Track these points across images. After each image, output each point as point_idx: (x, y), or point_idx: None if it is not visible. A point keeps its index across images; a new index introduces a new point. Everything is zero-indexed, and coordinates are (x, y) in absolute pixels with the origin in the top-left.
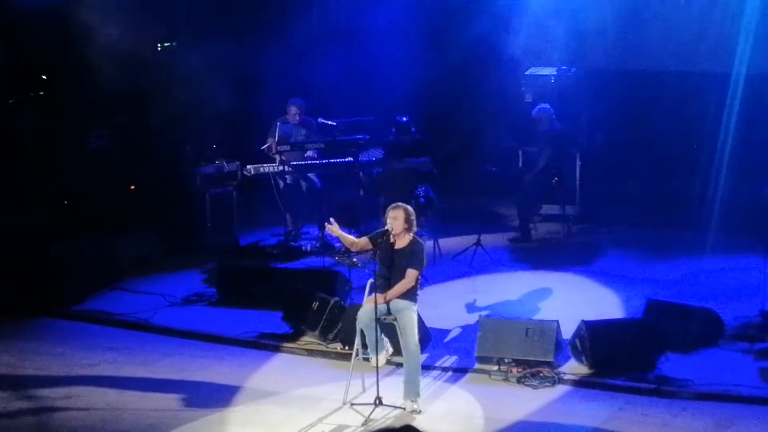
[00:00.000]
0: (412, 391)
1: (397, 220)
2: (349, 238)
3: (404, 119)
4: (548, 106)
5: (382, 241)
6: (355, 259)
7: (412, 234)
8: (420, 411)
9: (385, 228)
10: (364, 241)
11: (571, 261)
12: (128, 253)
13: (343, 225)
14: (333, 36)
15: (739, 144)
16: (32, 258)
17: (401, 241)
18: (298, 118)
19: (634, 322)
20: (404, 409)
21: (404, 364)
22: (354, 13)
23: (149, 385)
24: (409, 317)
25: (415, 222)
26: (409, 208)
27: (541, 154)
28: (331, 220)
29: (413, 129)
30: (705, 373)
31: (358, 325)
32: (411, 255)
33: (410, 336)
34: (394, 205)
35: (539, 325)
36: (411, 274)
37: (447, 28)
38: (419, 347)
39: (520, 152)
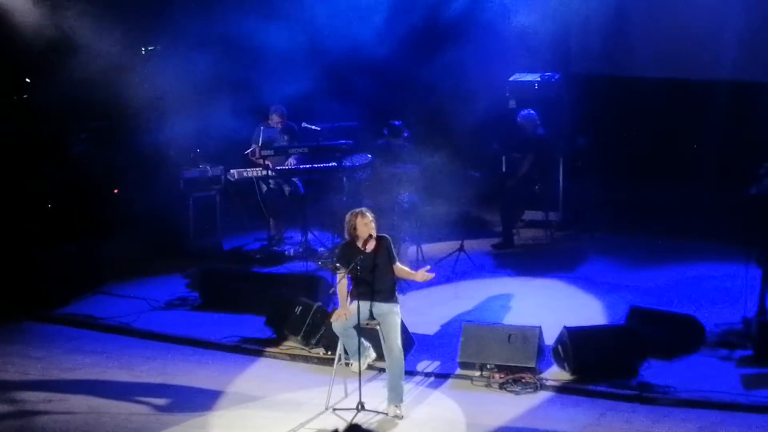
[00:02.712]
0: (395, 396)
1: (372, 222)
2: (343, 293)
3: (398, 123)
4: (533, 112)
5: (355, 254)
6: (338, 264)
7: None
8: (402, 416)
9: (347, 242)
10: (345, 273)
11: (553, 267)
12: (111, 257)
13: (325, 230)
14: (318, 41)
15: (723, 151)
16: (15, 262)
17: (372, 243)
18: (280, 125)
19: (616, 328)
20: (387, 414)
21: (388, 369)
22: (338, 18)
23: (131, 390)
24: (393, 321)
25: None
26: (369, 210)
27: (524, 159)
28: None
29: (405, 134)
30: (687, 380)
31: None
32: (390, 250)
33: (394, 340)
34: (359, 212)
35: (522, 331)
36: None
37: (431, 33)
38: (403, 352)
39: (504, 158)
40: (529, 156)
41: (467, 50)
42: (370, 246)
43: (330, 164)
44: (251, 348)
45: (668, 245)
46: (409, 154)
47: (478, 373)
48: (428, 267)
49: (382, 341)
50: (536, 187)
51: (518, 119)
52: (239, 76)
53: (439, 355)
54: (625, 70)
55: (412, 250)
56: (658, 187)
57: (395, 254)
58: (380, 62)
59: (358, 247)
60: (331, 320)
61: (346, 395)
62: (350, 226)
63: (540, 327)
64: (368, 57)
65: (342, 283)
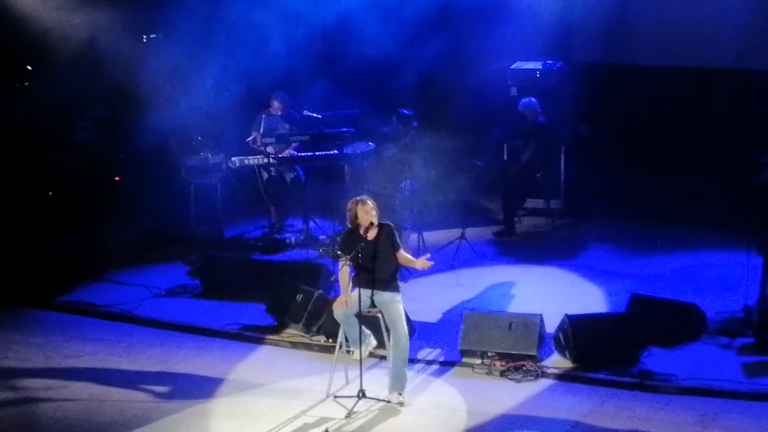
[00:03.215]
0: (399, 384)
1: (373, 210)
2: (345, 281)
3: (407, 112)
4: (534, 100)
5: (357, 242)
6: (339, 252)
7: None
8: (404, 404)
9: (349, 229)
10: (347, 260)
11: (555, 255)
12: (113, 244)
13: (326, 218)
14: (320, 29)
15: (724, 139)
16: (17, 249)
17: (374, 231)
18: (281, 112)
19: (617, 316)
20: (389, 401)
21: (393, 357)
22: (338, 6)
23: (133, 377)
24: (396, 309)
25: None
26: (370, 198)
27: (525, 147)
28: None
29: (415, 123)
30: (688, 368)
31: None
32: (393, 238)
33: (400, 328)
34: (360, 200)
35: (523, 319)
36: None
37: (433, 20)
38: (409, 339)
39: (505, 146)
40: (530, 144)
41: (469, 37)
42: (372, 234)
43: (331, 152)
44: (252, 335)
45: (669, 233)
46: (415, 142)
47: (479, 361)
48: (428, 255)
49: (383, 329)
50: (538, 175)
51: (519, 107)
52: (241, 63)
53: (440, 343)
54: (627, 58)
55: (413, 237)
56: (660, 175)
57: (399, 241)
58: (382, 49)
59: (360, 235)
60: (333, 308)
61: (347, 383)
62: (351, 214)
63: (541, 315)
64: (370, 44)
65: (343, 271)
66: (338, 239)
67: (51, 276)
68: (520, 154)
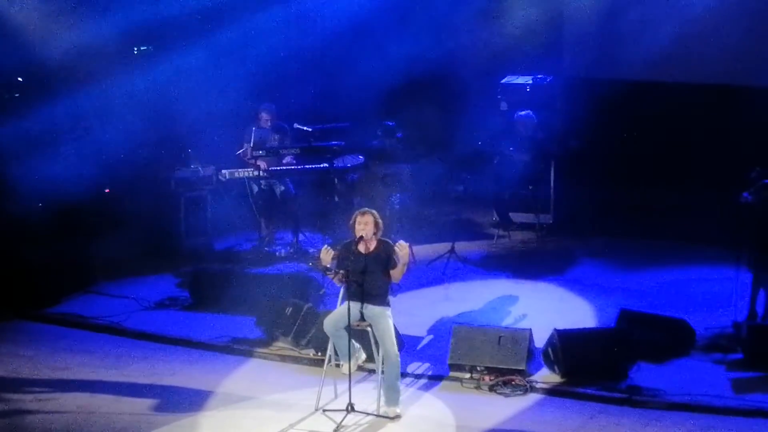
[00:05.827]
0: (394, 397)
1: (368, 225)
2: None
3: (391, 123)
4: (531, 113)
5: (350, 254)
6: (328, 265)
7: (379, 236)
8: (401, 416)
9: (350, 240)
10: (342, 274)
11: (544, 270)
12: (102, 256)
13: (316, 231)
14: (308, 43)
15: (714, 154)
16: (5, 260)
17: (370, 245)
18: (269, 123)
19: (606, 331)
20: (380, 415)
21: (385, 372)
22: (328, 19)
23: (121, 389)
24: (385, 323)
25: (382, 225)
26: (375, 212)
27: (522, 158)
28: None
29: (399, 134)
30: (677, 383)
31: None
32: (390, 255)
33: (390, 343)
34: (361, 211)
35: (512, 334)
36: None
37: (422, 35)
38: (399, 355)
39: (498, 157)
40: (527, 157)
41: (460, 51)
42: (365, 247)
43: (321, 165)
44: (241, 348)
45: (659, 248)
46: (402, 154)
47: (468, 375)
48: (400, 241)
49: (372, 343)
50: (530, 188)
51: (517, 117)
52: (231, 76)
53: (429, 357)
54: (618, 73)
55: None
56: (650, 190)
57: (395, 259)
58: (369, 63)
59: (355, 248)
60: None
61: (336, 396)
62: (351, 224)
63: (530, 329)
64: (355, 56)
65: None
66: (336, 248)
67: (40, 288)
68: (513, 164)
